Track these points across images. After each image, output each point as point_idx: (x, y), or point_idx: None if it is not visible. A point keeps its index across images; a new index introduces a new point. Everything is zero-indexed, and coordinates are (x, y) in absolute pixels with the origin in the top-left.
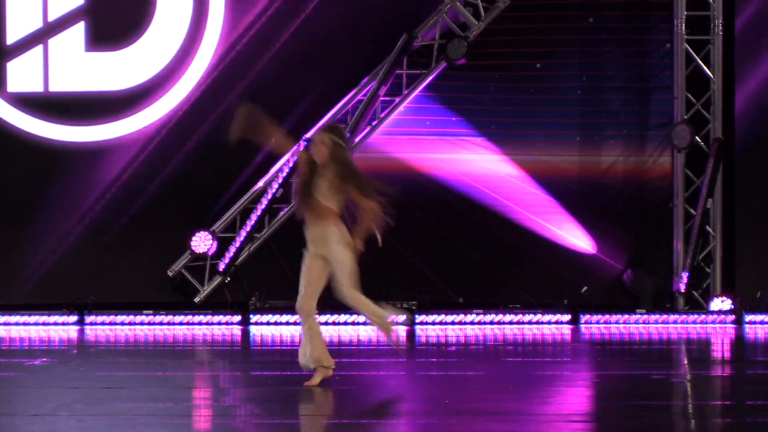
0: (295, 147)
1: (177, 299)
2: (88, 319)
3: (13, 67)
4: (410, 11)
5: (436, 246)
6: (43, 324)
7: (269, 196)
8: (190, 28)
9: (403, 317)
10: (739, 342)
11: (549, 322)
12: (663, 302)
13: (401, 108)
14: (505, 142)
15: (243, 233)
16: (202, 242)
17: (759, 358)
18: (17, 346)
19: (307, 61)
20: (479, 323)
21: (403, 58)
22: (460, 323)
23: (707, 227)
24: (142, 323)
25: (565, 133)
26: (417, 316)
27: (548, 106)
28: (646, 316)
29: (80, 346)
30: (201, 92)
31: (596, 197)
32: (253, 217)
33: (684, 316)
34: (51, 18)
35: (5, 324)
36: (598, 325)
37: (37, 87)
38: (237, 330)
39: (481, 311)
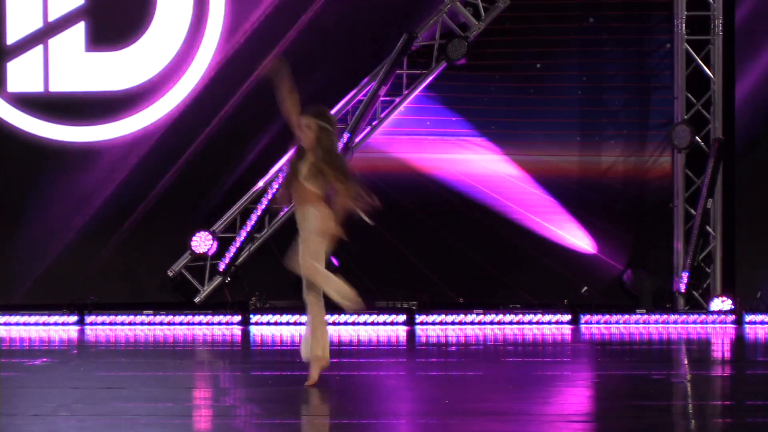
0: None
1: (177, 299)
2: (88, 319)
3: (13, 67)
4: (410, 11)
5: (436, 246)
6: (43, 324)
7: (269, 196)
8: (190, 28)
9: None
10: (739, 342)
11: (549, 322)
12: (663, 302)
13: (401, 108)
14: (506, 142)
15: (243, 233)
16: (202, 242)
17: (759, 358)
18: (17, 346)
19: (307, 62)
20: (479, 323)
21: (403, 58)
22: (460, 323)
23: (707, 227)
24: (142, 323)
25: (565, 133)
26: (417, 316)
27: (548, 106)
28: (646, 317)
29: (80, 346)
30: (201, 92)
31: (596, 197)
32: (254, 217)
33: (684, 316)
34: (51, 18)
35: (5, 324)
36: (598, 326)
37: (37, 87)
38: (237, 330)
39: (481, 311)
